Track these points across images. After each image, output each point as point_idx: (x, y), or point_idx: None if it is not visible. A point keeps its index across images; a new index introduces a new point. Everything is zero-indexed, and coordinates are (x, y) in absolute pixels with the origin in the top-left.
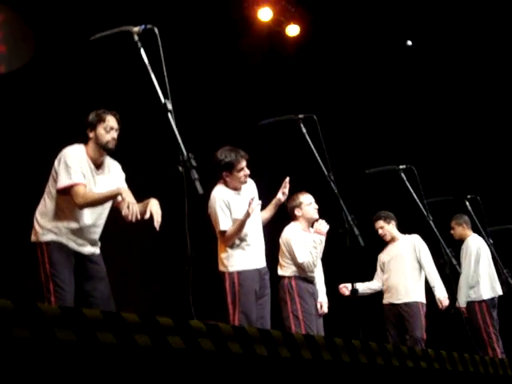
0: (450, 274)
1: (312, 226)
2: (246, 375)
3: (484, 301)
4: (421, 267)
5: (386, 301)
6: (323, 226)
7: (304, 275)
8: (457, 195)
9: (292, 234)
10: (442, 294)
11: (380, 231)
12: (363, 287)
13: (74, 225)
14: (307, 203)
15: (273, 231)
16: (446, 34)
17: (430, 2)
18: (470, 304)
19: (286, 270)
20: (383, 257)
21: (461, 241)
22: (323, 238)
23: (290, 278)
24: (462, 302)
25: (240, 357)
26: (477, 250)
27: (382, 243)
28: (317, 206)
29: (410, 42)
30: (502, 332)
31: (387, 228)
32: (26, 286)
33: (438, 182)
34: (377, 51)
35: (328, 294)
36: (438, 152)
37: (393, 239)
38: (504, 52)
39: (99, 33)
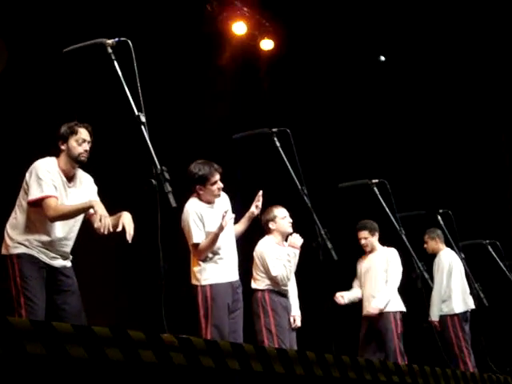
0: (422, 287)
1: (286, 240)
2: None
3: (456, 315)
4: None
5: (364, 312)
6: (297, 240)
7: (277, 289)
8: (429, 209)
9: (266, 248)
10: (375, 304)
11: (363, 241)
12: (353, 296)
13: (45, 238)
14: (281, 217)
15: (247, 244)
16: (417, 49)
17: (403, 18)
18: (443, 318)
19: (259, 283)
20: (360, 266)
21: (434, 255)
22: (297, 252)
23: (263, 291)
24: (434, 315)
25: (212, 371)
26: (449, 264)
27: (355, 256)
28: (291, 220)
29: (382, 58)
30: (473, 346)
31: (370, 239)
32: None
33: (411, 197)
34: (350, 66)
35: (301, 307)
36: (411, 166)
37: (372, 250)
38: (473, 66)
39: (73, 45)
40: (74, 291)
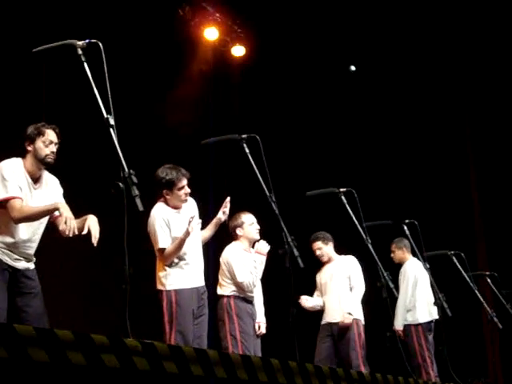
0: (387, 297)
1: (253, 246)
2: None
3: (420, 324)
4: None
5: (323, 321)
6: (264, 247)
7: (243, 295)
8: (395, 219)
9: (233, 254)
10: (347, 310)
11: (318, 252)
12: (315, 302)
13: (8, 239)
14: (249, 223)
15: (214, 250)
16: (388, 59)
17: (375, 29)
18: (407, 327)
19: (225, 289)
20: (320, 277)
21: (400, 264)
22: (264, 259)
23: (229, 297)
24: (398, 324)
25: (176, 377)
26: (415, 274)
27: (319, 264)
28: (258, 227)
29: (353, 67)
30: (436, 356)
31: (325, 249)
32: None
33: (378, 206)
34: (321, 75)
35: (266, 314)
36: (378, 176)
37: (329, 260)
38: (443, 75)
39: (43, 45)
40: (36, 294)
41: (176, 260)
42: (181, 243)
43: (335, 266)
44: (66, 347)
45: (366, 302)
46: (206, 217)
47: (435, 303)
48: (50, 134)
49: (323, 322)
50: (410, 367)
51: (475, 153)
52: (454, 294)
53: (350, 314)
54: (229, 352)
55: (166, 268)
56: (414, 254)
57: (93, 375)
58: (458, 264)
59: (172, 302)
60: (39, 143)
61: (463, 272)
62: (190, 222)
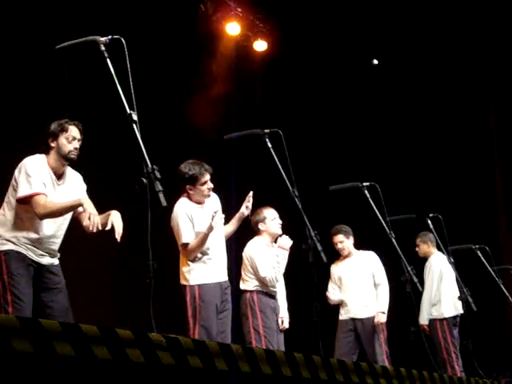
0: (411, 291)
1: (275, 241)
2: None
3: (445, 319)
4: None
5: (345, 316)
6: (287, 242)
7: (266, 290)
8: (419, 213)
9: (255, 249)
10: (381, 309)
11: (339, 245)
12: (338, 296)
13: (33, 235)
14: (271, 218)
15: (237, 245)
16: (411, 53)
17: (396, 23)
18: (432, 322)
19: (248, 284)
20: (339, 271)
21: (424, 258)
22: (286, 254)
23: (252, 292)
24: (423, 319)
25: (200, 371)
26: (440, 269)
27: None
28: (280, 222)
29: (376, 61)
30: (461, 350)
31: (346, 243)
32: None
33: (401, 200)
34: (343, 69)
35: (289, 309)
36: (402, 170)
37: (349, 254)
38: (465, 68)
39: (66, 42)
40: (61, 289)
41: (199, 255)
42: (204, 238)
43: (356, 261)
44: (91, 342)
45: (390, 296)
46: (228, 212)
47: (460, 297)
48: (73, 131)
49: (345, 317)
50: (434, 362)
51: (500, 146)
52: (479, 288)
53: (383, 312)
54: (253, 346)
55: (190, 263)
56: (439, 248)
57: (118, 369)
58: (482, 258)
59: (196, 296)
60: (62, 139)
61: (488, 266)
62: (213, 216)
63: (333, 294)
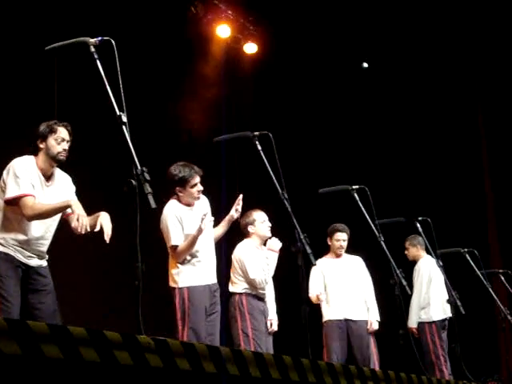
0: (400, 294)
1: (265, 244)
2: None
3: (434, 322)
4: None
5: (338, 316)
6: (276, 244)
7: (255, 292)
8: (408, 217)
9: (245, 251)
10: (374, 318)
11: (343, 243)
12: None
13: (21, 237)
14: (261, 221)
15: (227, 248)
16: (400, 56)
17: (386, 26)
18: (421, 325)
19: (237, 286)
20: (327, 270)
21: (414, 262)
22: (276, 256)
23: (241, 294)
24: (412, 322)
25: (188, 373)
26: (429, 272)
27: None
28: (270, 224)
29: (365, 65)
30: (449, 354)
31: (346, 243)
32: None
33: (390, 204)
34: (333, 72)
35: (278, 312)
36: (391, 173)
37: (341, 255)
38: (456, 74)
39: (55, 43)
40: (49, 291)
41: (188, 257)
42: (193, 240)
43: (347, 263)
44: (79, 344)
45: (379, 299)
46: (218, 214)
47: (448, 301)
48: (62, 132)
49: (338, 318)
50: (423, 365)
51: (489, 151)
52: (468, 291)
53: (377, 321)
54: (241, 349)
55: (179, 265)
56: (428, 252)
57: (106, 372)
58: (471, 261)
59: (184, 299)
60: (51, 141)
61: (476, 270)
62: (202, 219)
63: (324, 295)
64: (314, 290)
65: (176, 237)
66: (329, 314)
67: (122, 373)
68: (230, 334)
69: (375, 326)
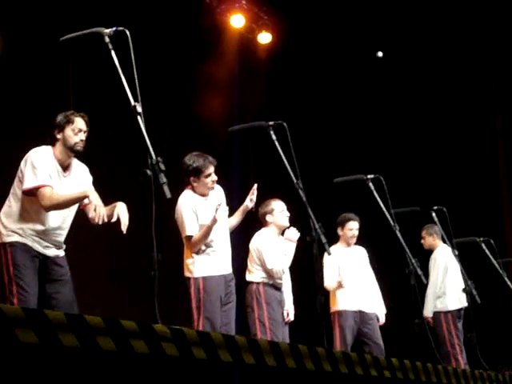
0: (415, 284)
1: (282, 234)
2: (209, 381)
3: (450, 311)
4: None
5: (353, 307)
6: (294, 234)
7: (272, 281)
8: (423, 206)
9: (263, 240)
10: (383, 311)
11: (356, 233)
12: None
13: (39, 227)
14: (279, 210)
15: (241, 238)
16: (415, 45)
17: (401, 14)
18: (436, 314)
19: (254, 275)
20: (340, 260)
21: (430, 251)
22: (294, 246)
23: (258, 283)
24: (428, 311)
25: (204, 362)
26: (445, 261)
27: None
28: (288, 214)
29: (380, 53)
30: (464, 343)
31: (357, 232)
32: None
33: (406, 193)
34: (347, 61)
35: (295, 302)
36: (407, 163)
37: (351, 244)
38: (470, 64)
39: (70, 33)
40: (66, 281)
41: (203, 247)
42: (208, 230)
43: (357, 253)
44: (96, 333)
45: (394, 288)
46: (232, 204)
47: (464, 290)
48: (79, 122)
49: (353, 309)
50: (438, 354)
51: (505, 139)
52: (483, 280)
53: (385, 314)
54: (257, 338)
55: (194, 255)
56: (444, 241)
57: (122, 361)
58: (487, 251)
59: (200, 288)
60: (68, 131)
61: (492, 259)
62: (217, 209)
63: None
64: (333, 278)
65: (191, 227)
66: (343, 303)
67: (139, 362)
68: (246, 324)
69: (383, 320)
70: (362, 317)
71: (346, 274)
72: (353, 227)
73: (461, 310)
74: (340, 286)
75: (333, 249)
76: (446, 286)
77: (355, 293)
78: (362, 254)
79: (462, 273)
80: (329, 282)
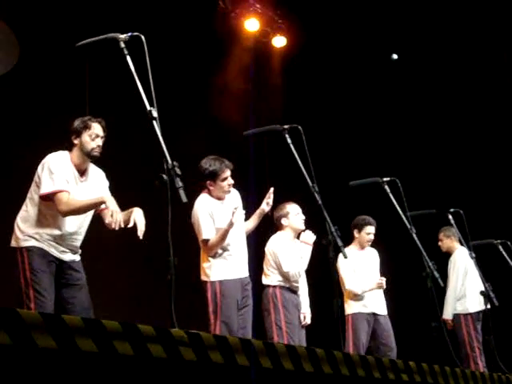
0: (432, 286)
1: (298, 237)
2: None
3: (470, 314)
4: None
5: (367, 309)
6: (310, 237)
7: (288, 285)
8: (440, 208)
9: (279, 244)
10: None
11: (372, 237)
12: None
13: (56, 232)
14: (295, 213)
15: (257, 241)
16: (430, 47)
17: (415, 17)
18: (456, 316)
19: (270, 279)
20: (355, 262)
21: (447, 253)
22: (310, 249)
23: (274, 287)
24: (448, 314)
25: (221, 366)
26: (465, 264)
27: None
28: (304, 217)
29: (395, 56)
30: (483, 346)
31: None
32: (5, 291)
33: (422, 195)
34: (362, 64)
35: (311, 305)
36: (423, 165)
37: (365, 247)
38: (487, 66)
39: (86, 39)
40: (82, 285)
41: (220, 251)
42: (224, 234)
43: (371, 256)
44: (113, 337)
45: (411, 291)
46: (248, 208)
47: (482, 292)
48: (96, 128)
49: (367, 311)
50: (456, 357)
51: None
52: (501, 283)
53: None
54: (274, 342)
55: (210, 259)
56: (461, 243)
57: (140, 365)
58: (504, 253)
59: (216, 292)
60: (85, 137)
61: (510, 261)
62: (233, 212)
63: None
64: (355, 281)
65: (207, 231)
66: (358, 306)
67: (156, 366)
68: (263, 327)
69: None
70: (376, 319)
71: (361, 276)
72: (370, 231)
73: (480, 313)
74: (381, 285)
75: (346, 251)
76: (466, 288)
77: (369, 295)
78: (374, 256)
79: (479, 275)
80: (351, 286)
